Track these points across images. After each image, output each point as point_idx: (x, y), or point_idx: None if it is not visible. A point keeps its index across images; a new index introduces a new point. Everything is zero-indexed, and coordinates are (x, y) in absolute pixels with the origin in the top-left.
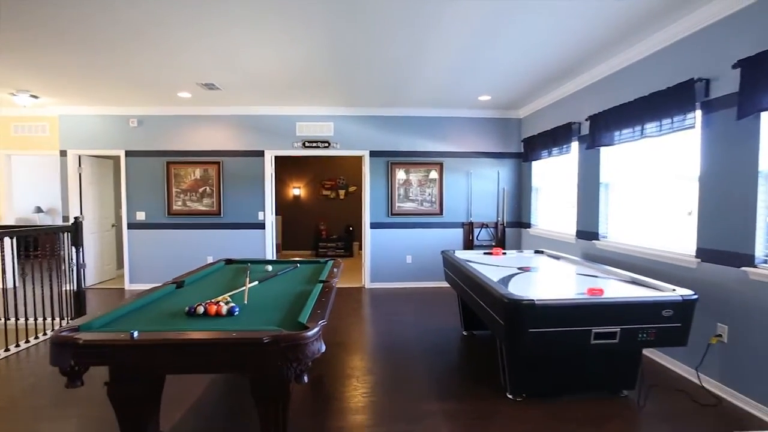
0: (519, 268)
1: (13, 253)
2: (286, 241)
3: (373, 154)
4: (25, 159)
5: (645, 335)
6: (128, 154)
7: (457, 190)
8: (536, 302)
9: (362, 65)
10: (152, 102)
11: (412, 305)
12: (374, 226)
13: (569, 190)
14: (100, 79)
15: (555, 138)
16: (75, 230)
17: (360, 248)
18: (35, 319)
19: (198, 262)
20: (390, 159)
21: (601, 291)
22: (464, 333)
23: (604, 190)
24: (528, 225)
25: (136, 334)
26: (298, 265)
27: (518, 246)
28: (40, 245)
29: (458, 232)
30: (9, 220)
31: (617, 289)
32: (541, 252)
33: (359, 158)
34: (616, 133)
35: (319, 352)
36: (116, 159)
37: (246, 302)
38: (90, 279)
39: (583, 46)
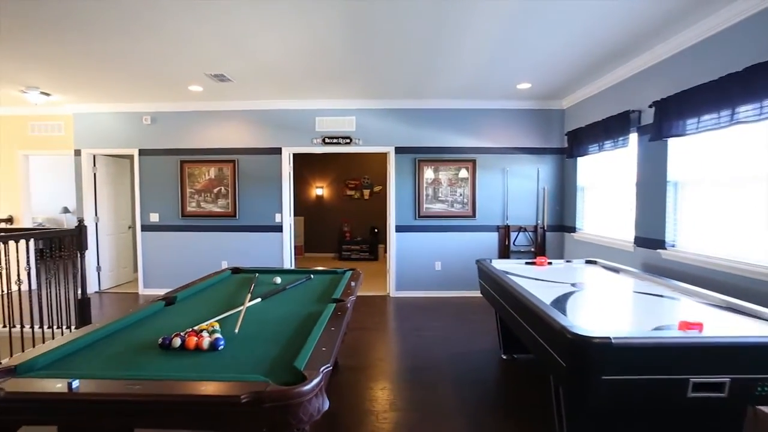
0: (573, 285)
1: (26, 256)
2: (308, 243)
3: (398, 150)
4: (51, 159)
5: (767, 388)
6: (141, 152)
7: (492, 190)
8: (613, 341)
9: (384, 50)
10: (164, 97)
11: (442, 318)
12: (400, 229)
13: (625, 190)
14: (105, 72)
15: (608, 129)
16: (79, 234)
17: (385, 251)
18: (32, 328)
19: (212, 266)
20: (417, 156)
21: (699, 326)
22: (503, 356)
23: (672, 190)
24: (572, 229)
25: (75, 383)
26: (312, 276)
27: (561, 252)
28: (65, 247)
29: (493, 237)
30: (27, 222)
31: (717, 321)
32: (594, 262)
33: (384, 155)
34: (692, 121)
35: (319, 412)
36: (131, 158)
37: (237, 331)
38: (105, 282)
39: (648, 16)
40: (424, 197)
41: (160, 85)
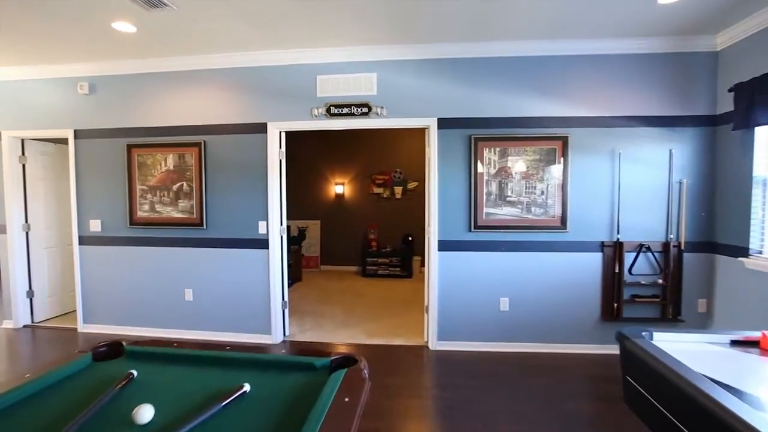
0: None
1: None
2: (325, 254)
3: (443, 123)
4: None
5: None
6: (78, 134)
7: (594, 185)
8: None
9: None
10: (97, 52)
11: (521, 403)
12: (445, 246)
13: None
14: None
15: None
16: None
17: (422, 266)
18: None
19: (172, 297)
20: (473, 132)
21: None
22: None
23: None
24: (738, 250)
25: None
26: (247, 388)
27: (709, 288)
28: None
29: (594, 259)
30: None
31: None
32: None
33: (421, 133)
34: None
35: None
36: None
37: None
38: (41, 313)
39: None
40: (484, 197)
41: (73, 23)
